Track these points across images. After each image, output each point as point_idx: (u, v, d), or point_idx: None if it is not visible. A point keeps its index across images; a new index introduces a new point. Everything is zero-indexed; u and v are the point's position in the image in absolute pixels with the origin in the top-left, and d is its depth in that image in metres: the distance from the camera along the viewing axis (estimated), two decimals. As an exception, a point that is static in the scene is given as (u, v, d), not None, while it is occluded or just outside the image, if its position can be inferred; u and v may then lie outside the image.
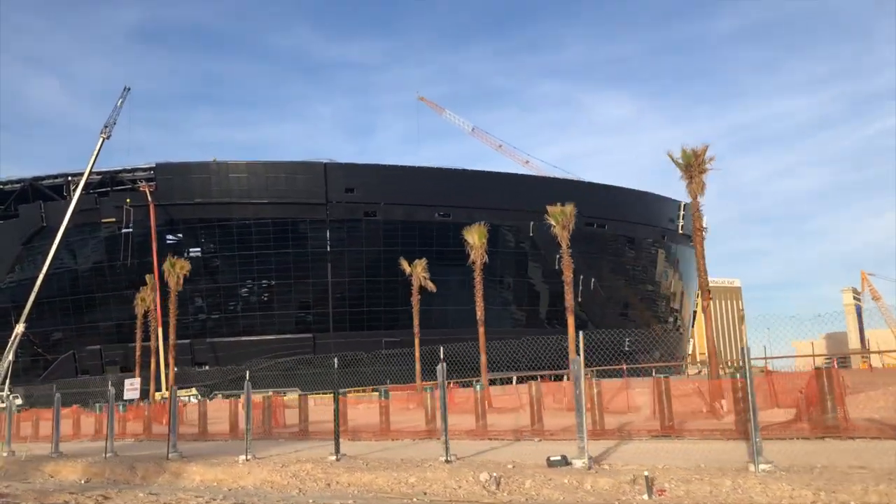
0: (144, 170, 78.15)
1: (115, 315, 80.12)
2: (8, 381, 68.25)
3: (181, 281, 63.32)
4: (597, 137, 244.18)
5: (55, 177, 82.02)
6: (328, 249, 77.94)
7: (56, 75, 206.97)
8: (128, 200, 74.13)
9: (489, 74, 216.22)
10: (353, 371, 68.53)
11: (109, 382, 25.35)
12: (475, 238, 50.61)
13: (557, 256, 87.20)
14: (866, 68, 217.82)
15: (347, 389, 55.05)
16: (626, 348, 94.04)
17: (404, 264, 58.56)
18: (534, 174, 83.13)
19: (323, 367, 58.34)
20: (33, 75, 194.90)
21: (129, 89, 76.06)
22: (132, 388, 26.90)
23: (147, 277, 67.06)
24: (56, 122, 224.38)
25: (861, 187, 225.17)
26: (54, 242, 71.59)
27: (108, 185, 78.97)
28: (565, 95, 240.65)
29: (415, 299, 56.77)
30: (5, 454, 24.68)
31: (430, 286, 58.78)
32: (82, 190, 72.61)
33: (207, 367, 76.71)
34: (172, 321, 61.41)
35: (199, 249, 77.93)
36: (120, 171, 79.32)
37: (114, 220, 77.67)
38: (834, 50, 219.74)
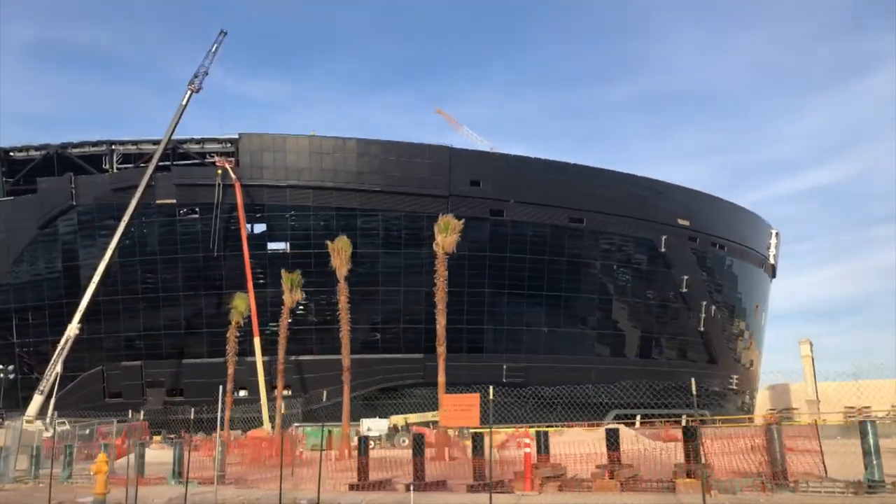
0: (220, 141, 62.40)
1: (163, 323, 63.08)
2: (53, 402, 50.33)
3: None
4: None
5: (91, 144, 64.89)
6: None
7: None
8: (218, 172, 57.74)
9: (397, 126, 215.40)
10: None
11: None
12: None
13: (685, 278, 77.00)
14: (743, 143, 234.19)
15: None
16: (734, 387, 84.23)
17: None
18: (668, 181, 72.43)
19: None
20: None
21: (225, 33, 60.31)
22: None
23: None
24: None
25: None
26: (120, 225, 54.69)
27: (168, 158, 62.46)
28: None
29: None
30: None
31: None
32: (158, 159, 56.11)
33: (290, 392, 60.60)
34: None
35: (284, 244, 62.27)
36: (185, 141, 63.08)
37: (173, 201, 61.15)
38: (716, 125, 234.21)
